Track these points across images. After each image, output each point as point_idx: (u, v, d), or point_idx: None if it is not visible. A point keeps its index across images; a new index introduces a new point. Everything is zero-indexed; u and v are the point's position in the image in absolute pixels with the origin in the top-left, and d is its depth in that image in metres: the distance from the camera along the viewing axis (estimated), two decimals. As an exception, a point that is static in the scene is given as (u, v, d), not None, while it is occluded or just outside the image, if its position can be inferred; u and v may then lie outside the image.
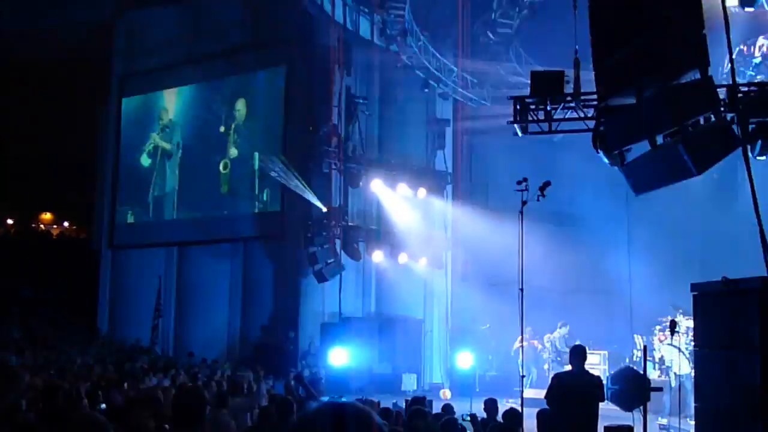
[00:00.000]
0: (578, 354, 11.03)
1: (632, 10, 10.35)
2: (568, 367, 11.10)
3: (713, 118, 9.43)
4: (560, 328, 21.26)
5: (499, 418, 10.81)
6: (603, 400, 10.85)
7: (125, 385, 13.97)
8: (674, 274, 21.60)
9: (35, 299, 33.87)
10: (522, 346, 14.30)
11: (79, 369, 16.83)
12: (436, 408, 12.83)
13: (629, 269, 23.66)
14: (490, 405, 11.03)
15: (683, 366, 15.39)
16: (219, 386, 13.88)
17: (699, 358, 9.69)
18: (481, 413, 11.36)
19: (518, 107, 13.77)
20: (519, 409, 11.02)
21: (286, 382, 19.13)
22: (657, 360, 17.40)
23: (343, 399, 2.49)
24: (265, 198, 26.14)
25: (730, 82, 10.57)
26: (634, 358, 19.46)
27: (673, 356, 16.07)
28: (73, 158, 36.67)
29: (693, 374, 12.97)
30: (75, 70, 32.55)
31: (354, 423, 2.23)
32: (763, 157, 11.30)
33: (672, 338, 15.53)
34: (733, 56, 9.41)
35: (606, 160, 10.98)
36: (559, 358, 20.57)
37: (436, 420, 9.72)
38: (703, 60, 8.86)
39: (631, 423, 10.91)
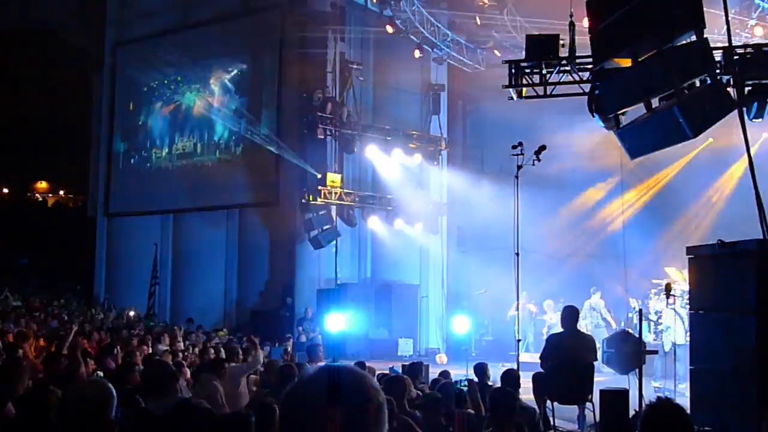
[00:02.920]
0: (570, 315, 11.07)
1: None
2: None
3: (709, 81, 9.40)
4: (594, 293, 20.87)
5: (493, 380, 10.86)
6: (596, 360, 10.91)
7: (117, 351, 13.98)
8: (670, 237, 21.74)
9: (32, 268, 33.91)
10: (518, 311, 14.35)
11: (76, 337, 16.82)
12: (433, 373, 12.88)
13: (624, 233, 23.70)
14: (480, 369, 11.08)
15: (678, 336, 15.43)
16: (216, 352, 13.94)
17: (695, 321, 9.73)
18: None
19: (513, 71, 13.72)
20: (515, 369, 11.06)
21: (284, 348, 19.25)
22: (653, 322, 17.47)
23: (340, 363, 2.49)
24: (259, 165, 26.02)
25: (726, 44, 10.54)
26: (621, 324, 19.56)
27: (671, 322, 16.11)
28: (68, 126, 36.52)
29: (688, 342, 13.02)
30: (68, 38, 32.34)
31: (349, 386, 2.22)
32: (759, 119, 11.30)
33: (668, 301, 15.59)
34: (729, 17, 9.35)
35: (601, 124, 10.94)
36: (602, 323, 20.23)
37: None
38: (699, 22, 8.81)
39: (626, 386, 10.99)
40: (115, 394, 4.29)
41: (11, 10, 31.46)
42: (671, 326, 15.97)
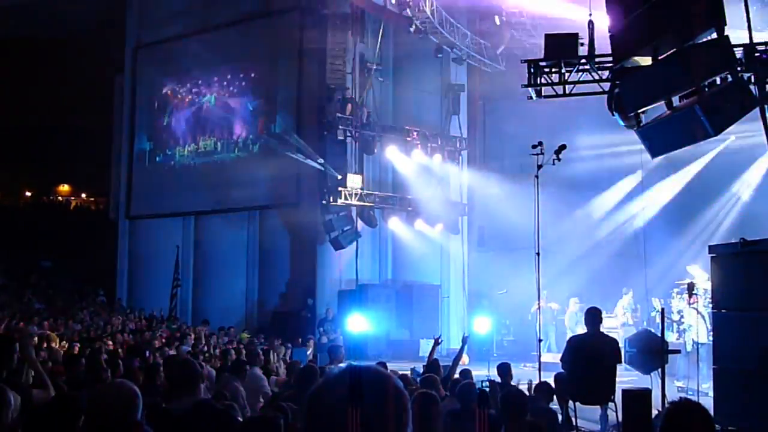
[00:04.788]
0: (593, 316, 11.01)
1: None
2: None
3: (730, 78, 9.35)
4: (626, 294, 20.84)
5: (516, 381, 10.85)
6: (620, 362, 10.85)
7: (146, 353, 14.06)
8: (691, 237, 21.63)
9: (54, 271, 34.06)
10: (539, 310, 14.30)
11: (99, 338, 16.93)
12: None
13: (645, 232, 23.58)
14: (503, 369, 11.07)
15: (701, 334, 15.35)
16: (238, 354, 13.99)
17: (717, 320, 9.69)
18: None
19: (532, 71, 13.70)
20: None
21: (308, 350, 19.34)
22: (675, 321, 17.38)
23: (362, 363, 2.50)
24: (280, 166, 26.03)
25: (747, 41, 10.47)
26: (644, 323, 19.48)
27: (693, 321, 16.03)
28: (89, 129, 36.73)
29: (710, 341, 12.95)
30: (90, 42, 32.54)
31: (371, 387, 2.22)
32: (781, 117, 11.20)
33: (689, 300, 15.52)
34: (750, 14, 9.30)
35: (621, 123, 10.92)
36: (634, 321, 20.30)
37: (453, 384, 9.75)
38: (720, 19, 8.77)
39: (649, 386, 10.93)
40: (140, 395, 4.32)
41: (33, 14, 31.67)
42: (693, 325, 15.89)
